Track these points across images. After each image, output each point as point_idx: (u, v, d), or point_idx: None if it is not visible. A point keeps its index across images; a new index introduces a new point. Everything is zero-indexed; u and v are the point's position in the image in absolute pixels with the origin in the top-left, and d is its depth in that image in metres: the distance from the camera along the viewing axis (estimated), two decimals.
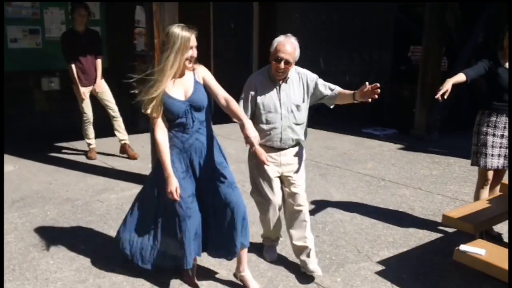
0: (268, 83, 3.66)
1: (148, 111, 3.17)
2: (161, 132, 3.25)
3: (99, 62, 6.56)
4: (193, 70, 3.31)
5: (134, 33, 8.22)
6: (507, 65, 4.18)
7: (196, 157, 3.32)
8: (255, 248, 4.13)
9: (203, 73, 3.33)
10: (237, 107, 3.26)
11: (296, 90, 3.68)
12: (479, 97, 4.38)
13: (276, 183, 3.76)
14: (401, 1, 10.79)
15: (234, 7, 9.64)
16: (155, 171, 3.52)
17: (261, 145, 3.46)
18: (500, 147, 4.27)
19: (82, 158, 6.81)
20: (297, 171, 3.81)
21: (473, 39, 8.53)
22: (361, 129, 8.74)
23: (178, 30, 3.12)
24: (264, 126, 3.65)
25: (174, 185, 3.22)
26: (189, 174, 3.32)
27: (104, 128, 6.88)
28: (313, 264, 3.74)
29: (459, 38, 9.05)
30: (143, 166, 6.32)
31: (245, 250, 3.55)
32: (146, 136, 5.95)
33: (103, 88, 6.61)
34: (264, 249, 4.09)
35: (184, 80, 3.27)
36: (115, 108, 6.69)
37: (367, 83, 3.42)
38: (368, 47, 11.18)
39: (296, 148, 3.82)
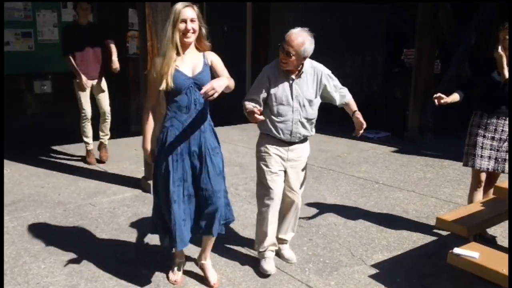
0: (281, 75, 3.61)
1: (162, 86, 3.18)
2: (151, 116, 3.41)
3: (112, 46, 6.37)
4: (203, 52, 3.32)
5: (127, 36, 8.20)
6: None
7: (193, 140, 3.29)
8: (249, 251, 4.12)
9: (212, 56, 3.35)
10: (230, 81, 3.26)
11: (310, 85, 3.65)
12: (473, 98, 4.39)
13: (280, 177, 3.74)
14: (394, 2, 10.82)
15: (227, 8, 9.63)
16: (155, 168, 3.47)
17: (269, 136, 3.67)
18: (491, 149, 4.25)
19: (74, 162, 6.76)
20: (300, 169, 3.84)
21: (465, 40, 8.55)
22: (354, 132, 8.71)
23: (175, 5, 3.15)
24: (275, 118, 3.62)
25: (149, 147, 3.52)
26: (182, 158, 3.29)
27: (95, 130, 6.79)
28: (287, 250, 4.07)
29: (452, 40, 9.06)
30: (136, 169, 6.29)
31: (212, 240, 3.58)
32: (139, 139, 5.89)
33: (103, 87, 6.50)
34: (260, 262, 3.88)
35: (194, 59, 3.28)
36: (108, 109, 6.61)
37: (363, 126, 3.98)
38: (361, 49, 11.21)
39: (304, 144, 3.84)
